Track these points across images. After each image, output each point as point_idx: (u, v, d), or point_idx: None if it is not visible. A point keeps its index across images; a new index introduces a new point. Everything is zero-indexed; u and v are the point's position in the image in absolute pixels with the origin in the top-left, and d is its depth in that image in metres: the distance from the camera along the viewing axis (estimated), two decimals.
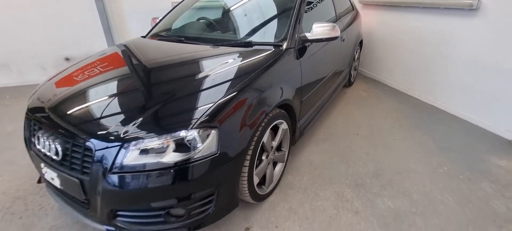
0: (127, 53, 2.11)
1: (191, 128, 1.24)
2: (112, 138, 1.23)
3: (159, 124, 1.31)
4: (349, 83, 3.78)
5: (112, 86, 1.64)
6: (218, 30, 2.41)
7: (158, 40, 2.35)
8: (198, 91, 1.48)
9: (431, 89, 3.27)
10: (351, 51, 3.33)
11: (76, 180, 1.28)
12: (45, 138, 1.37)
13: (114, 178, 1.21)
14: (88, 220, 1.41)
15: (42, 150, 1.39)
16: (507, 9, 2.40)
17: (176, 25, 2.58)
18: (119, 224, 1.34)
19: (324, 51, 2.38)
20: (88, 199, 1.31)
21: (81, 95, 1.56)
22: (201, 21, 2.59)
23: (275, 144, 1.77)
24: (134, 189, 1.22)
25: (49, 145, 1.34)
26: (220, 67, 1.65)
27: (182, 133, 1.23)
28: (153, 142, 1.22)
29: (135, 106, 1.41)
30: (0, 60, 4.00)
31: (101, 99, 1.50)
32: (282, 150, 1.93)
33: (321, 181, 2.00)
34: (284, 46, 1.88)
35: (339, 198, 1.84)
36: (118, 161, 1.20)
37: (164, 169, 1.21)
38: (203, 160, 1.26)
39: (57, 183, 1.39)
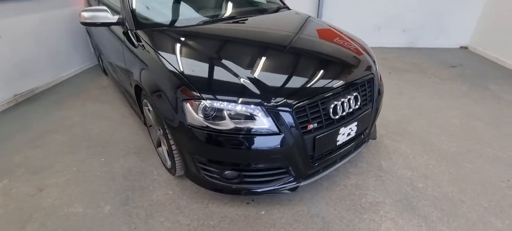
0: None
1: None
2: (373, 70, 1.79)
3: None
4: None
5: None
6: None
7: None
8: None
9: None
10: None
11: (370, 110, 1.70)
12: (341, 103, 1.50)
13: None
14: (352, 154, 1.79)
15: (342, 114, 1.51)
16: None
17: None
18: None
19: None
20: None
21: (322, 61, 1.79)
22: None
23: None
24: None
25: (349, 103, 1.53)
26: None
27: None
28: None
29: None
30: None
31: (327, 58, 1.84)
32: None
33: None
34: None
35: None
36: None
37: None
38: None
39: (354, 131, 1.61)
